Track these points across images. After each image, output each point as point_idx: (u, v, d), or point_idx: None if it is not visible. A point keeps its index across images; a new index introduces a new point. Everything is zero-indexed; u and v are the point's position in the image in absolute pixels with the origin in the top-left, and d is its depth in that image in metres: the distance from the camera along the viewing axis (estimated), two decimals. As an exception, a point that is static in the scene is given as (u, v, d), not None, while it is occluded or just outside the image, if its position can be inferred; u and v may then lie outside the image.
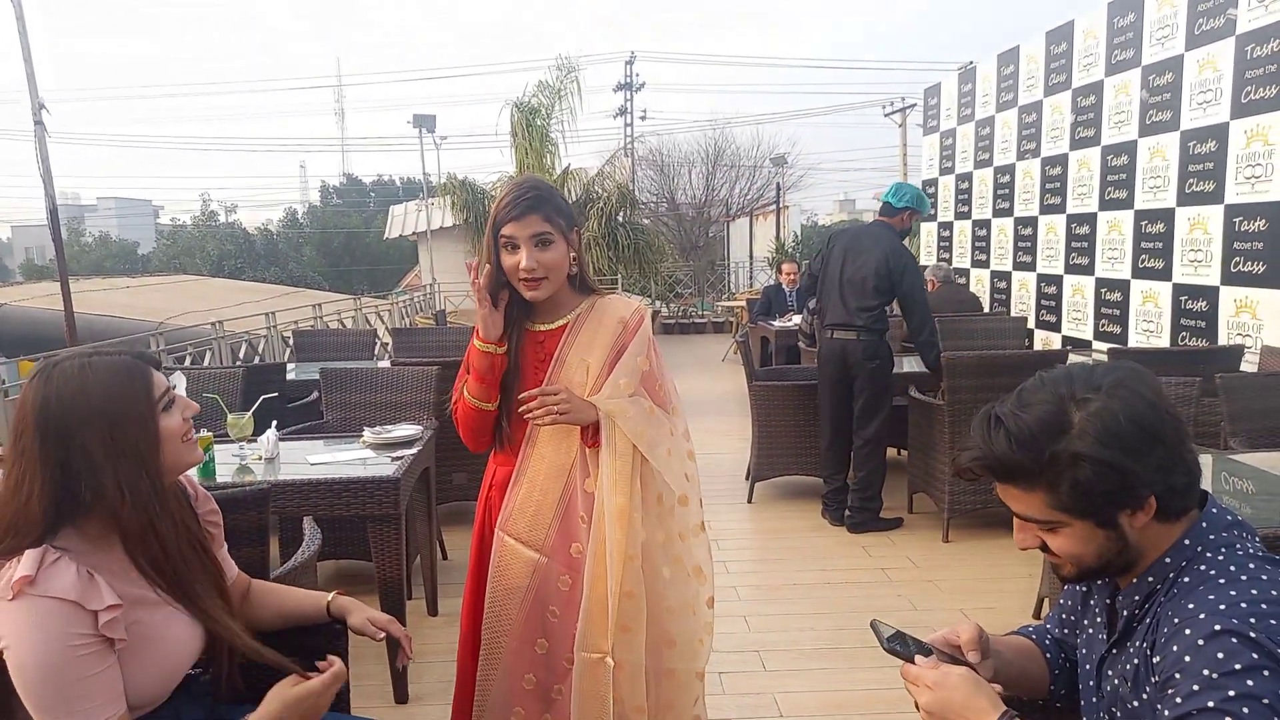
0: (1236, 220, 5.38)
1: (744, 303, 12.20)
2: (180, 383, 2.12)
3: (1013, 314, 8.13)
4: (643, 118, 29.49)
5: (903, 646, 1.24)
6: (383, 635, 1.61)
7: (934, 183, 10.50)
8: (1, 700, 1.34)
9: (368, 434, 3.37)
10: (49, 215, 8.48)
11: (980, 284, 9.18)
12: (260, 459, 3.07)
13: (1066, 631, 1.40)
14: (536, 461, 1.90)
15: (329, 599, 1.66)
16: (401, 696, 2.92)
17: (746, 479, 5.30)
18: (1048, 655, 1.40)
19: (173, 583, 1.38)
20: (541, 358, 1.92)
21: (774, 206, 20.71)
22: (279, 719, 1.40)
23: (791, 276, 9.04)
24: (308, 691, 1.42)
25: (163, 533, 1.36)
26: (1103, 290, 6.89)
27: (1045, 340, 7.73)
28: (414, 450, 3.20)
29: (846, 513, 4.61)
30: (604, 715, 1.83)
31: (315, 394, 4.81)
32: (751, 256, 20.85)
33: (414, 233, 20.24)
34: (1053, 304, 7.72)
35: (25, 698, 1.25)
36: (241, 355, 8.88)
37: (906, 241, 4.75)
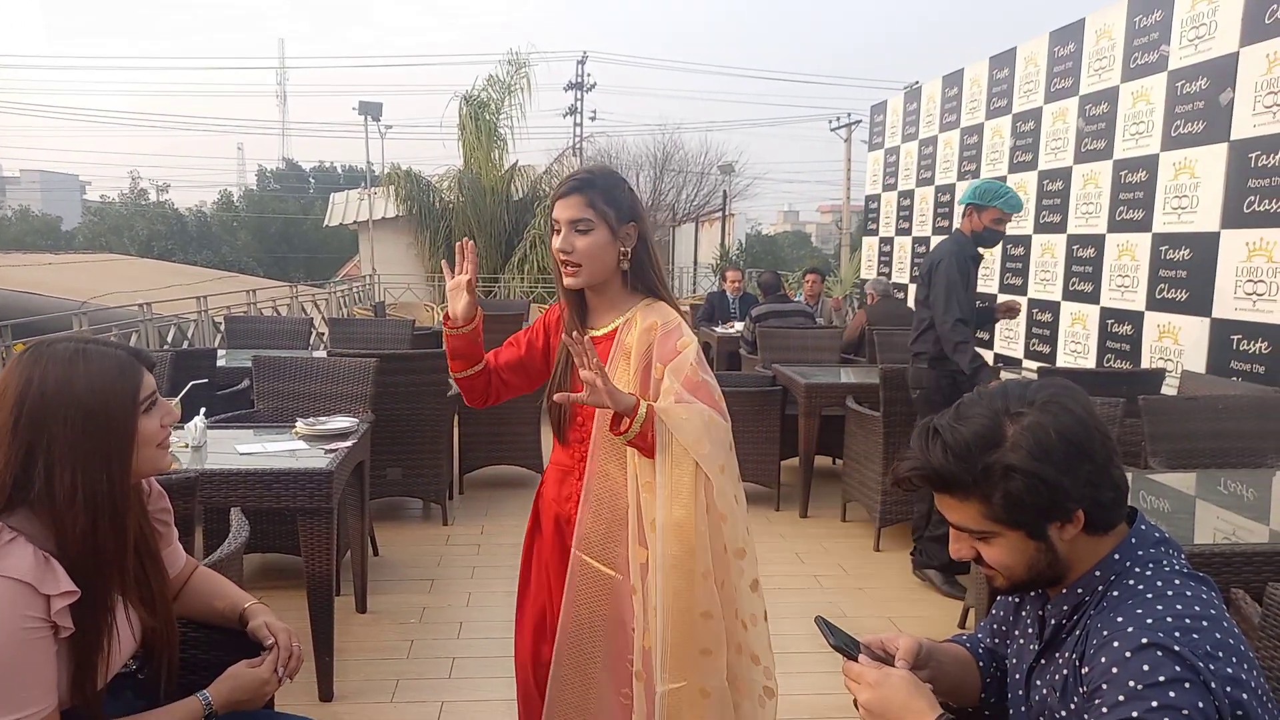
0: (1163, 249, 5.60)
1: (688, 308, 12.26)
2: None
3: (948, 330, 8.31)
4: (593, 118, 29.49)
5: (847, 644, 1.28)
6: (271, 640, 1.54)
7: (876, 198, 10.70)
8: None
9: (301, 425, 3.29)
10: (-32, 185, 8.11)
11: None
12: (186, 447, 2.98)
13: (997, 642, 1.43)
14: (600, 480, 1.84)
15: (245, 606, 1.61)
16: (326, 694, 2.87)
17: (683, 483, 5.32)
18: (980, 664, 1.43)
19: (94, 588, 1.30)
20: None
21: (720, 213, 20.89)
22: (231, 699, 1.44)
23: (735, 284, 9.09)
24: (256, 677, 1.47)
25: (101, 537, 1.29)
26: (1034, 310, 7.10)
27: (978, 357, 7.92)
28: (348, 443, 3.14)
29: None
30: None
31: (247, 382, 4.69)
32: (696, 262, 21.02)
33: (354, 222, 19.88)
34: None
35: None
36: (170, 339, 8.59)
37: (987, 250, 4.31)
